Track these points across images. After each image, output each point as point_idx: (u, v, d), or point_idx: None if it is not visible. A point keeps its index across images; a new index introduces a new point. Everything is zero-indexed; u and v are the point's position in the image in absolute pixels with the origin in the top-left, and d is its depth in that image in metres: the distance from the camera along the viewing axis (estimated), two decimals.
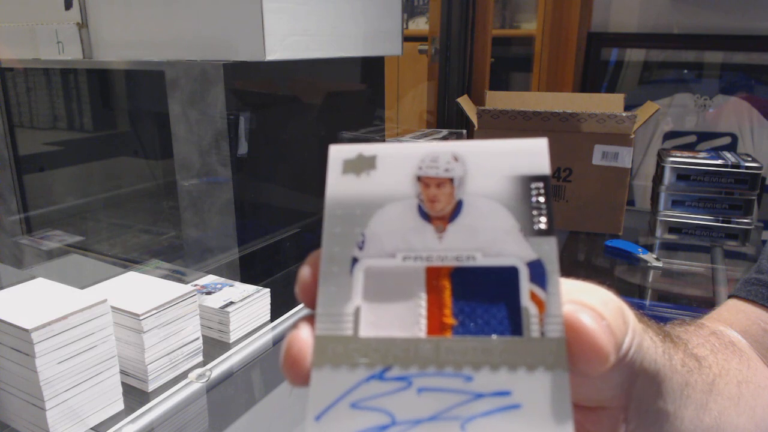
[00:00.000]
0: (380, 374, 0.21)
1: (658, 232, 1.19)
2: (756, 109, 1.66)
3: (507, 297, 0.23)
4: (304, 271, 0.23)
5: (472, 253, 0.23)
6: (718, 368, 0.36)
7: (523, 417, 0.21)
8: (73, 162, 1.30)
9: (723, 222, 1.15)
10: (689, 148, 1.71)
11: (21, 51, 1.07)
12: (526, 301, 0.22)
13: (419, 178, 0.24)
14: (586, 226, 1.20)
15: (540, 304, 0.22)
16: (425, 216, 0.23)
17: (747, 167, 1.12)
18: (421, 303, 0.23)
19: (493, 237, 0.23)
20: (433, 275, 0.23)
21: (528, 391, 0.21)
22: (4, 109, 1.22)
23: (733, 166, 1.13)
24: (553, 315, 0.22)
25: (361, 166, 0.24)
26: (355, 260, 0.23)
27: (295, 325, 0.23)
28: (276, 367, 0.84)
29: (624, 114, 1.12)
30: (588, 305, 0.23)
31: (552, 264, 0.22)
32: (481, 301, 0.23)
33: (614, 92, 1.76)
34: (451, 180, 0.23)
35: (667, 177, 1.16)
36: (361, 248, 0.23)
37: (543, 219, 0.23)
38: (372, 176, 0.24)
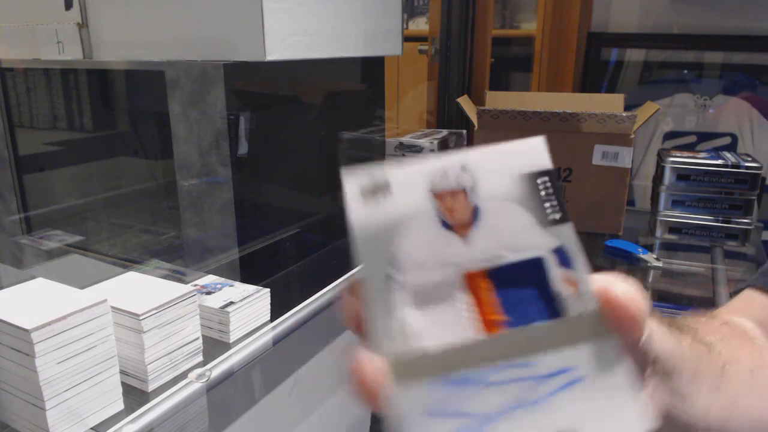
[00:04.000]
0: (451, 380, 0.23)
1: (658, 232, 1.19)
2: (756, 109, 1.66)
3: (542, 284, 0.24)
4: (348, 300, 0.25)
5: (500, 252, 0.25)
6: (729, 355, 0.36)
7: (589, 386, 0.23)
8: (73, 162, 1.30)
9: (723, 222, 1.15)
10: (689, 148, 1.71)
11: (21, 51, 1.07)
12: (559, 284, 0.24)
13: (434, 193, 0.25)
14: (586, 226, 1.20)
15: (573, 284, 0.24)
16: (447, 226, 0.25)
17: (747, 167, 1.12)
18: (467, 306, 0.24)
19: (514, 234, 0.25)
20: (470, 279, 0.24)
21: (586, 362, 0.23)
22: (4, 109, 1.22)
23: (733, 166, 1.13)
24: (586, 291, 0.24)
25: (377, 190, 0.25)
26: (393, 279, 0.24)
27: (355, 354, 0.23)
28: (276, 367, 0.84)
29: (624, 114, 1.12)
30: (616, 279, 0.25)
31: (574, 247, 0.24)
32: (520, 293, 0.24)
33: (614, 92, 1.76)
34: (464, 189, 0.25)
35: (667, 177, 1.16)
36: (396, 267, 0.24)
37: (556, 209, 0.25)
38: (389, 198, 0.25)
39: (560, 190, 0.25)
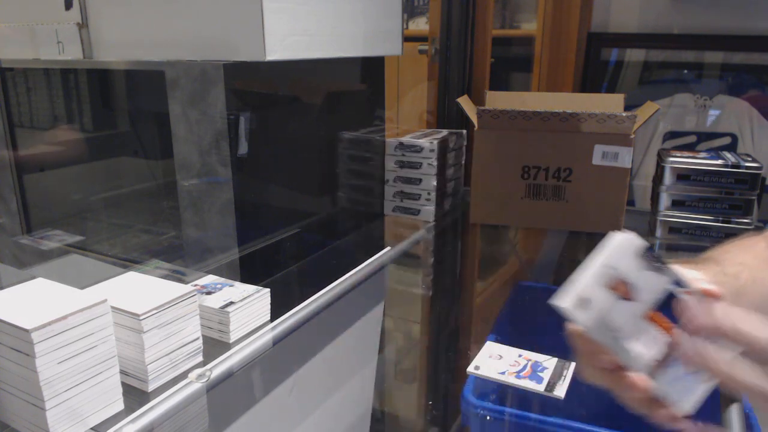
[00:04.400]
0: (670, 364, 0.47)
1: (658, 232, 1.19)
2: (756, 109, 1.66)
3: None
4: (604, 358, 0.47)
5: (652, 296, 0.47)
6: (750, 279, 0.53)
7: None
8: (73, 162, 1.30)
9: (723, 222, 1.15)
10: (689, 148, 1.71)
11: (21, 51, 1.07)
12: (683, 295, 0.46)
13: (607, 287, 0.46)
14: (586, 226, 1.20)
15: (688, 293, 0.46)
16: (623, 298, 0.46)
17: (747, 167, 1.12)
18: (656, 329, 0.47)
19: (652, 285, 0.47)
20: (650, 317, 0.47)
21: None
22: (4, 109, 1.22)
23: (733, 167, 1.13)
24: (696, 293, 0.46)
25: (582, 302, 0.46)
26: (619, 338, 0.46)
27: (627, 378, 0.47)
28: (276, 367, 0.84)
29: (624, 114, 1.12)
30: (701, 279, 0.49)
31: (678, 276, 0.47)
32: (670, 309, 0.46)
33: (614, 92, 1.76)
34: (618, 277, 0.46)
35: (667, 177, 1.16)
36: (616, 332, 0.46)
37: (660, 262, 0.47)
38: (591, 302, 0.46)
39: (654, 249, 0.44)
